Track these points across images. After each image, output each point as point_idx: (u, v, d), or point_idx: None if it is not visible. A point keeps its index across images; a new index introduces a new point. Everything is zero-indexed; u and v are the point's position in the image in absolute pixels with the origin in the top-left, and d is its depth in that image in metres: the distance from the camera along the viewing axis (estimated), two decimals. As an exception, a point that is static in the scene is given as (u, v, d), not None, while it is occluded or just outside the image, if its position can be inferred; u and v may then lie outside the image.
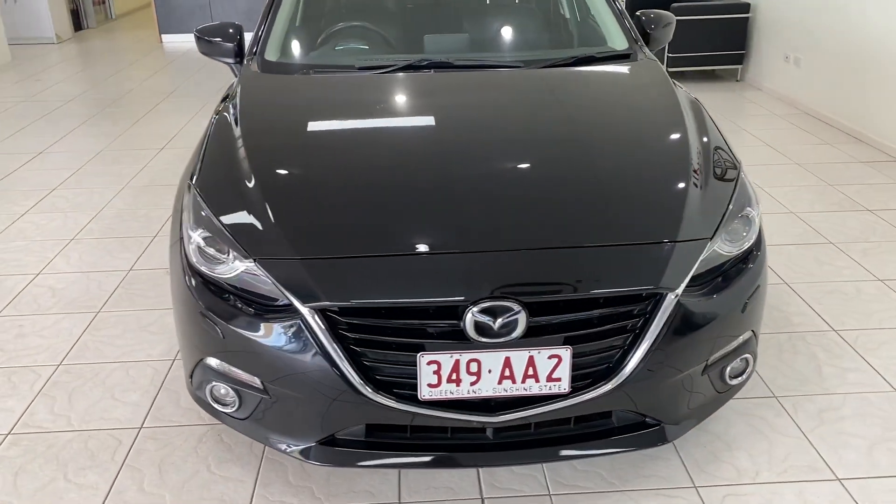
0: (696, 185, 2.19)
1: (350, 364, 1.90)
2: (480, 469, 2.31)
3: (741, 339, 2.20)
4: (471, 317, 1.85)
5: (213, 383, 2.11)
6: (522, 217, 2.04)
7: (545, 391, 1.95)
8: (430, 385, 1.92)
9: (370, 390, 1.91)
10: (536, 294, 1.88)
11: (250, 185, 2.17)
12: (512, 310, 1.86)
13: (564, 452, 2.06)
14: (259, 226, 2.04)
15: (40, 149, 5.69)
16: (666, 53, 7.13)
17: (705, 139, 2.41)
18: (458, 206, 2.07)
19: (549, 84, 2.77)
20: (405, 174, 2.21)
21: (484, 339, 1.88)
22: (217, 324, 2.01)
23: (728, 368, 2.21)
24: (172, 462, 2.40)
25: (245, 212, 2.09)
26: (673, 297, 1.95)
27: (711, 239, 2.07)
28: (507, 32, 3.29)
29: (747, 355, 2.24)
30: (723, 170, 2.30)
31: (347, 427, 2.02)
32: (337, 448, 2.05)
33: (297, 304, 1.90)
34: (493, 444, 2.06)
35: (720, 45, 7.16)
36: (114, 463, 2.40)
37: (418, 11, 3.43)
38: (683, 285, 1.98)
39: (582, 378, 1.97)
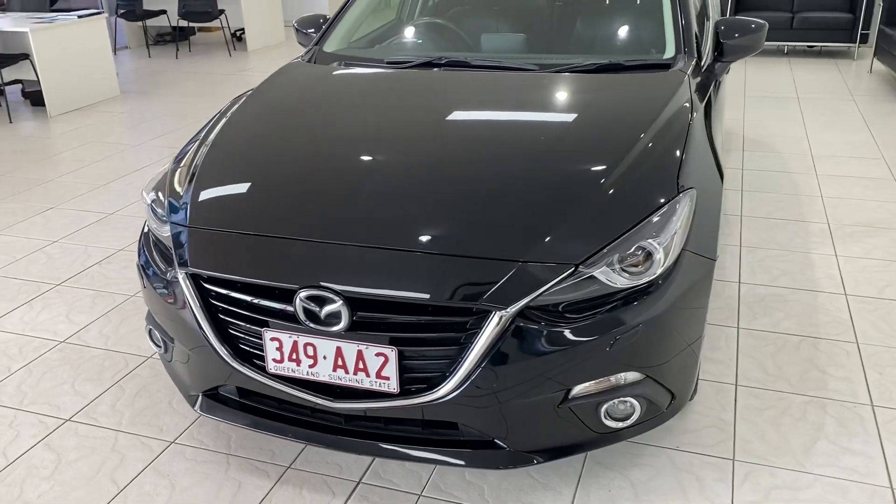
0: (586, 210, 2.03)
1: (212, 329, 2.11)
2: (371, 457, 2.38)
3: (621, 378, 2.02)
4: (300, 302, 1.96)
5: (150, 327, 2.44)
6: (392, 215, 2.06)
7: (375, 387, 1.99)
8: (274, 360, 2.06)
9: (228, 355, 2.10)
10: (356, 289, 1.92)
11: (200, 159, 2.45)
12: (332, 300, 1.93)
13: (403, 451, 2.07)
14: (184, 194, 2.32)
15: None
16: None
17: (649, 165, 2.20)
18: (342, 199, 2.15)
19: (539, 89, 2.67)
20: (319, 165, 2.32)
21: (313, 325, 1.97)
22: (143, 276, 2.33)
23: (604, 408, 2.04)
24: (144, 390, 2.79)
25: (186, 180, 2.38)
26: (499, 317, 1.87)
27: (579, 266, 1.93)
28: (556, 35, 3.20)
29: (631, 399, 2.05)
30: (647, 199, 2.09)
31: (219, 384, 2.23)
32: (218, 403, 2.27)
33: (176, 265, 2.15)
34: (345, 430, 2.14)
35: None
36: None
37: (491, 12, 3.45)
38: (517, 306, 1.88)
39: (413, 382, 1.98)
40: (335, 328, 1.95)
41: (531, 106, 2.59)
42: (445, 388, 1.94)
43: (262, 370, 2.09)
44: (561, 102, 2.58)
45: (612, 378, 2.02)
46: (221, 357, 2.11)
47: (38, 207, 4.64)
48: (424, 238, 1.97)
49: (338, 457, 2.43)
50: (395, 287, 1.92)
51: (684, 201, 2.12)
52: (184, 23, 9.60)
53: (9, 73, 6.97)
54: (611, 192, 2.09)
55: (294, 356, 2.03)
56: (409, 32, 3.51)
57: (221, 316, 2.11)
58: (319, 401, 2.06)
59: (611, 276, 1.98)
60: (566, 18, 3.29)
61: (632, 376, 2.04)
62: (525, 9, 3.39)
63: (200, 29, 10.86)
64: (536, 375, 1.94)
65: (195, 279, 2.12)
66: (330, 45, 3.29)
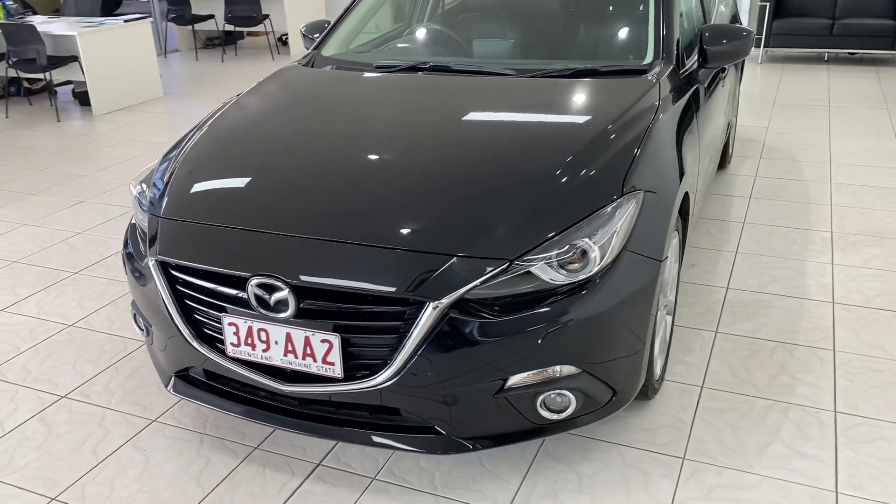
0: (526, 208, 2.11)
1: (179, 313, 2.26)
2: (333, 441, 2.49)
3: (556, 371, 2.10)
4: (251, 289, 2.09)
5: (134, 312, 2.61)
6: (338, 209, 2.17)
7: (322, 372, 2.11)
8: (232, 344, 2.20)
9: (193, 339, 2.25)
10: (301, 277, 2.04)
11: (181, 154, 2.61)
12: (280, 288, 2.05)
13: (346, 432, 2.19)
14: (162, 188, 2.48)
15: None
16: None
17: (596, 166, 2.27)
18: (296, 194, 2.27)
19: (508, 94, 2.76)
20: (282, 161, 2.45)
21: (264, 312, 2.10)
22: (126, 264, 2.51)
23: (540, 399, 2.12)
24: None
25: (168, 174, 2.54)
26: (432, 308, 1.97)
27: (514, 262, 2.02)
28: (543, 42, 3.27)
29: (566, 392, 2.12)
30: (589, 199, 2.16)
31: (188, 366, 2.38)
32: (188, 385, 2.42)
33: (147, 253, 2.31)
34: (299, 412, 2.26)
35: None
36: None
37: (487, 20, 3.55)
38: (451, 298, 1.98)
39: (358, 368, 2.09)
40: (283, 315, 2.08)
41: (497, 109, 2.68)
42: (384, 375, 2.05)
43: (223, 353, 2.23)
44: (525, 106, 2.67)
45: (548, 370, 2.10)
46: (187, 340, 2.26)
47: (69, 201, 4.92)
48: (366, 231, 2.09)
49: (303, 440, 2.56)
50: (337, 277, 2.03)
51: (628, 203, 2.18)
52: (230, 27, 9.92)
53: (61, 74, 7.35)
54: (553, 191, 2.17)
55: (249, 340, 2.16)
56: (406, 38, 3.63)
57: (187, 301, 2.26)
58: (272, 384, 2.19)
59: (548, 273, 2.06)
60: (556, 26, 3.36)
61: (568, 370, 2.11)
62: (518, 17, 3.48)
63: (249, 34, 11.19)
64: (471, 365, 2.03)
65: (164, 266, 2.27)
66: (328, 50, 3.43)
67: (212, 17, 10.07)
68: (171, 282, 2.27)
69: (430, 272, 2.00)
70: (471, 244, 2.04)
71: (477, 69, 2.99)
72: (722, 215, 4.27)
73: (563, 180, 2.20)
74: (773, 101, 6.79)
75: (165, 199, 2.40)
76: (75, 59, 7.12)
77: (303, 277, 2.04)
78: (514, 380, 2.09)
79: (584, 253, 2.07)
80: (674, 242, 2.67)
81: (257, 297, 2.09)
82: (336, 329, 2.06)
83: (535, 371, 2.09)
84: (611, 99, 2.62)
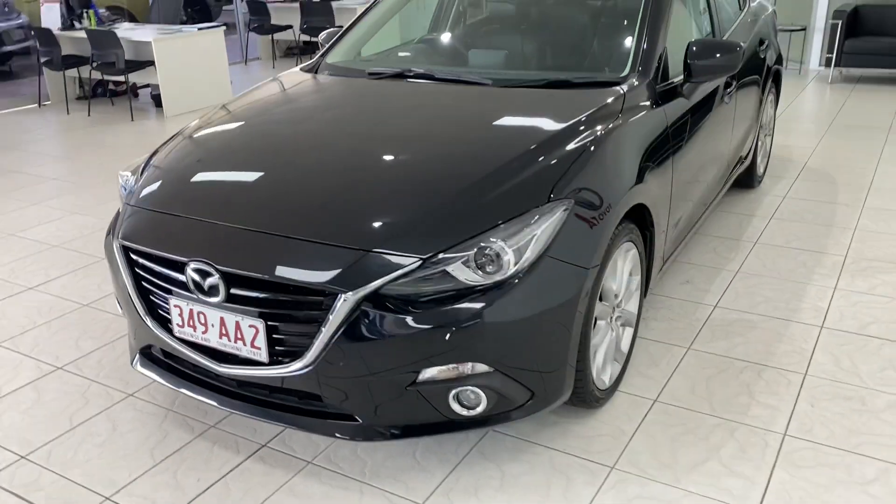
0: (448, 209, 2.19)
1: (137, 294, 2.45)
2: (271, 423, 2.60)
3: (469, 368, 2.16)
4: (189, 273, 2.25)
5: (115, 293, 2.82)
6: (270, 203, 2.30)
7: (250, 355, 2.25)
8: (178, 325, 2.37)
9: (148, 318, 2.44)
10: (230, 264, 2.19)
11: (167, 148, 2.82)
12: (212, 274, 2.21)
13: (273, 419, 2.31)
14: (138, 178, 2.69)
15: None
16: None
17: (528, 173, 2.32)
18: (240, 187, 2.43)
19: (473, 101, 2.84)
20: (239, 158, 2.60)
21: (200, 296, 2.26)
22: (105, 248, 2.73)
23: (452, 394, 2.19)
24: (127, 350, 3.20)
25: (144, 166, 2.76)
26: (345, 300, 2.08)
27: (427, 260, 2.10)
28: (532, 53, 3.33)
29: (477, 389, 2.18)
30: (513, 204, 2.22)
31: (148, 344, 2.56)
32: (150, 362, 2.61)
33: (113, 237, 2.51)
34: (237, 393, 2.41)
35: None
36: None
37: (485, 33, 3.64)
38: (363, 292, 2.08)
39: (282, 354, 2.22)
40: (215, 299, 2.23)
41: (457, 116, 2.77)
42: (302, 362, 2.17)
43: (172, 333, 2.41)
44: (485, 114, 2.74)
45: (461, 367, 2.17)
46: (143, 320, 2.45)
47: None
48: (291, 223, 2.22)
49: (257, 422, 2.70)
50: (260, 265, 2.17)
51: (553, 210, 2.23)
52: (306, 37, 10.33)
53: (141, 77, 7.86)
54: (477, 194, 2.24)
55: (191, 322, 2.33)
56: (410, 47, 3.75)
57: (143, 284, 2.45)
58: (210, 364, 2.34)
59: (464, 273, 2.13)
60: (547, 39, 3.41)
61: (480, 368, 2.17)
62: (515, 30, 3.57)
63: (327, 43, 11.59)
64: (383, 357, 2.12)
65: (125, 250, 2.47)
66: (333, 57, 3.60)
67: (289, 27, 10.50)
68: (131, 265, 2.47)
69: (345, 265, 2.11)
70: (387, 241, 2.13)
71: (458, 78, 3.08)
72: (734, 234, 4.19)
73: (490, 184, 2.27)
74: (830, 121, 6.54)
75: (135, 189, 2.61)
76: (152, 63, 7.60)
77: (230, 264, 2.19)
78: (427, 374, 2.17)
79: (499, 256, 2.13)
80: (630, 254, 2.68)
81: (194, 282, 2.25)
82: (261, 315, 2.19)
83: (447, 367, 2.16)
84: (568, 110, 2.66)
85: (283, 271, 2.14)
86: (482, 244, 2.14)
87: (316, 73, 3.46)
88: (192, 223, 2.34)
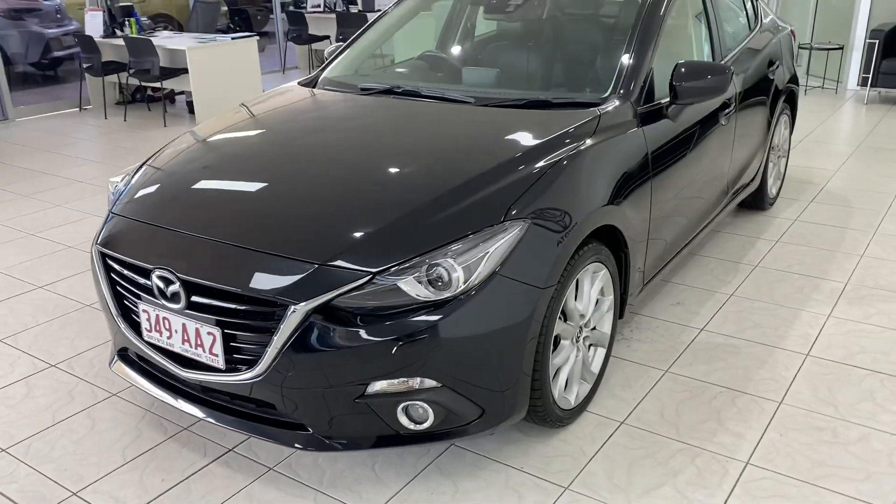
0: (401, 225, 2.23)
1: (112, 298, 2.55)
2: (230, 429, 2.65)
3: (416, 383, 2.20)
4: (154, 279, 2.34)
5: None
6: (231, 215, 2.38)
7: (209, 362, 2.32)
8: (146, 329, 2.45)
9: (121, 322, 2.53)
10: (190, 272, 2.26)
11: (154, 157, 2.93)
12: (173, 281, 2.29)
13: (232, 425, 2.38)
14: (126, 188, 2.80)
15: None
16: None
17: (486, 192, 2.35)
18: (209, 199, 2.52)
19: (449, 118, 2.87)
20: (215, 169, 2.69)
21: (164, 302, 2.34)
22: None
23: (400, 408, 2.23)
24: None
25: (131, 176, 2.86)
26: (294, 311, 2.13)
27: (377, 276, 2.15)
28: (522, 72, 3.35)
29: (424, 404, 2.21)
30: (466, 222, 2.25)
31: (124, 346, 2.66)
32: (127, 364, 2.70)
33: (93, 243, 2.62)
34: (201, 398, 2.48)
35: None
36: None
37: (480, 51, 3.69)
38: (313, 304, 2.13)
39: (237, 361, 2.28)
40: (177, 306, 2.31)
41: (428, 133, 2.81)
42: (255, 371, 2.23)
43: (142, 337, 2.49)
44: (456, 131, 2.78)
45: (409, 381, 2.20)
46: (117, 323, 2.54)
47: (139, 198, 5.45)
48: (249, 235, 2.29)
49: (203, 425, 2.76)
50: (216, 274, 2.24)
51: (507, 229, 2.25)
52: (342, 47, 10.48)
53: (177, 84, 8.08)
54: (431, 212, 2.28)
55: (158, 327, 2.41)
56: (409, 63, 3.81)
57: (118, 288, 2.54)
58: (174, 368, 2.42)
59: (416, 289, 2.16)
60: (538, 58, 3.44)
61: (429, 383, 2.20)
62: (509, 49, 3.60)
63: (365, 53, 11.75)
64: (331, 368, 2.17)
65: (102, 255, 2.57)
66: (332, 71, 3.68)
67: (327, 37, 10.68)
68: (108, 270, 2.56)
69: (296, 278, 2.16)
70: (338, 255, 2.18)
71: (442, 96, 3.12)
72: (735, 256, 4.14)
73: (446, 202, 2.31)
74: (858, 143, 6.40)
75: (118, 197, 2.72)
76: (186, 71, 7.82)
77: (190, 273, 2.27)
78: (376, 387, 2.21)
79: (449, 273, 2.16)
80: (600, 274, 2.69)
81: (158, 288, 2.34)
82: (218, 323, 2.26)
83: (395, 381, 2.20)
84: (539, 130, 2.68)
85: (237, 281, 2.21)
86: (433, 261, 2.17)
87: (314, 86, 3.54)
88: (160, 232, 2.43)
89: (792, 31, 4.97)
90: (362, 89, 3.34)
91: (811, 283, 3.81)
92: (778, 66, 4.39)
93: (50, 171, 6.23)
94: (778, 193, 4.97)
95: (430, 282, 2.17)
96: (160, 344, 2.43)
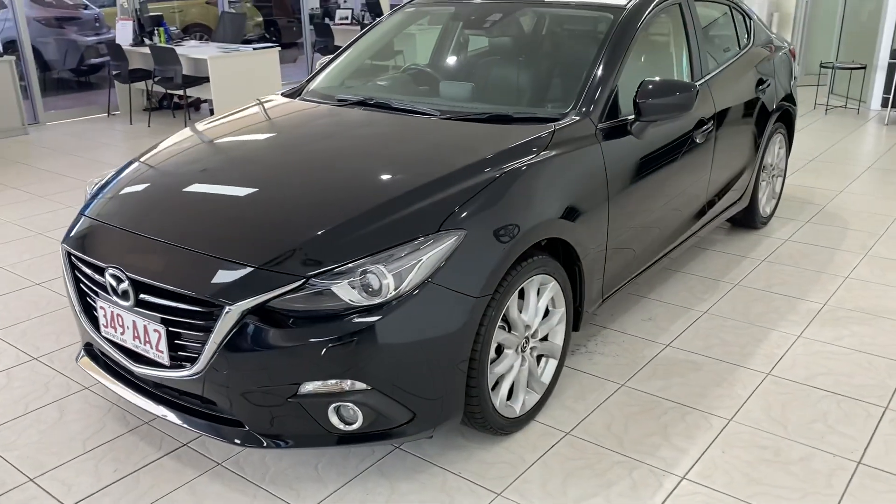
0: (338, 232, 2.31)
1: (76, 293, 2.68)
2: (177, 424, 2.74)
3: (347, 385, 2.27)
4: (107, 277, 2.46)
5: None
6: (180, 219, 2.51)
7: (156, 358, 2.43)
8: (103, 325, 2.57)
9: (83, 317, 2.66)
10: (136, 272, 2.38)
11: (131, 162, 3.07)
12: (123, 279, 2.40)
13: (179, 420, 2.48)
14: (100, 189, 2.93)
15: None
16: None
17: (426, 202, 2.42)
18: (165, 203, 2.64)
19: (409, 130, 2.96)
20: (182, 178, 2.79)
21: (116, 299, 2.46)
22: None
23: (331, 408, 2.30)
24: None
25: (105, 179, 3.00)
26: (228, 311, 2.22)
27: (309, 280, 2.23)
28: (494, 87, 3.42)
29: (354, 406, 2.29)
30: (401, 231, 2.33)
31: (88, 341, 2.78)
32: (92, 358, 2.83)
33: (62, 241, 2.76)
34: (152, 393, 2.59)
35: None
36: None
37: (457, 65, 3.79)
38: (246, 305, 2.22)
39: (181, 358, 2.39)
40: (127, 303, 2.42)
41: (385, 143, 2.89)
42: (194, 368, 2.33)
43: (100, 333, 2.62)
44: (413, 143, 2.86)
45: (340, 383, 2.28)
46: (79, 318, 2.67)
47: (147, 201, 5.63)
48: (193, 237, 2.40)
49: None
50: (160, 274, 2.35)
51: (442, 239, 2.32)
52: (367, 59, 10.66)
53: (201, 93, 8.31)
54: (369, 219, 2.36)
55: (113, 323, 2.53)
56: (388, 77, 3.91)
57: (81, 286, 2.67)
58: (127, 363, 2.53)
59: (348, 293, 2.24)
60: (511, 74, 3.51)
61: (359, 385, 2.28)
62: (483, 65, 3.68)
63: (391, 65, 11.94)
64: (264, 367, 2.26)
65: (68, 254, 2.71)
66: (316, 83, 3.80)
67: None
68: (73, 268, 2.70)
69: (232, 279, 2.26)
70: (274, 259, 2.27)
71: (410, 108, 3.20)
72: (717, 274, 4.13)
73: (385, 211, 2.39)
74: (869, 164, 6.32)
75: (89, 199, 2.86)
76: (208, 79, 8.04)
77: (137, 272, 2.38)
78: (308, 387, 2.28)
79: (380, 279, 2.24)
80: (549, 286, 2.74)
81: (111, 286, 2.46)
82: (163, 321, 2.37)
83: (327, 381, 2.27)
84: (491, 143, 2.75)
85: (179, 281, 2.32)
86: (365, 267, 2.25)
87: (297, 97, 3.66)
88: (116, 233, 2.56)
89: (790, 51, 4.95)
90: (339, 100, 3.45)
91: (788, 303, 3.79)
92: (768, 85, 4.38)
93: (68, 174, 6.47)
94: (772, 213, 4.94)
95: (363, 287, 2.25)
96: (115, 339, 2.54)
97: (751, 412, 2.90)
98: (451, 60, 3.84)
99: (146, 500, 2.48)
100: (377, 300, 2.24)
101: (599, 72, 3.11)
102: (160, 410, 2.53)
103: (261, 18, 14.83)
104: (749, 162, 4.28)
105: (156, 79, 8.18)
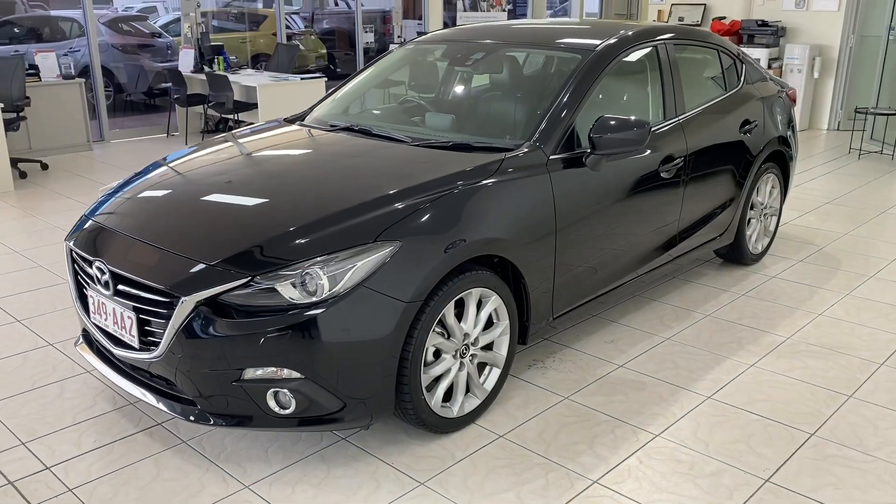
0: (287, 238, 2.64)
1: (74, 284, 3.08)
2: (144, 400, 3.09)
3: (284, 373, 2.57)
4: (94, 269, 2.84)
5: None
6: (164, 221, 2.88)
7: (129, 342, 2.79)
8: (92, 311, 2.96)
9: (78, 304, 3.06)
10: (114, 265, 2.75)
11: (137, 173, 3.49)
12: (104, 271, 2.78)
13: (147, 397, 2.83)
14: (104, 195, 3.35)
15: None
16: None
17: (367, 216, 2.72)
18: (154, 208, 3.03)
19: (380, 155, 3.28)
20: (172, 188, 3.18)
21: (99, 288, 2.84)
22: (73, 247, 3.40)
23: (269, 394, 2.61)
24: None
25: (115, 186, 3.42)
26: (183, 301, 2.57)
27: (254, 278, 2.56)
28: (467, 118, 3.73)
29: (287, 391, 2.59)
30: (341, 239, 2.63)
31: (83, 326, 3.18)
32: (88, 344, 3.22)
33: (66, 238, 3.17)
34: (132, 375, 2.95)
35: None
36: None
37: (441, 98, 4.13)
38: (198, 297, 2.56)
39: (148, 343, 2.74)
40: (108, 292, 2.80)
41: (355, 164, 3.23)
42: (156, 352, 2.68)
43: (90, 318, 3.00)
44: (378, 165, 3.19)
45: (278, 371, 2.58)
46: (76, 305, 3.07)
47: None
48: (162, 236, 2.78)
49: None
50: (132, 267, 2.73)
51: (377, 248, 2.62)
52: (414, 91, 11.12)
53: (251, 118, 8.87)
54: (314, 229, 2.68)
55: (98, 310, 2.91)
56: (383, 107, 4.26)
57: (78, 277, 3.07)
58: (109, 346, 2.90)
59: (289, 292, 2.56)
60: (480, 106, 3.84)
61: (294, 374, 2.58)
62: (463, 99, 4.01)
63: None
64: (212, 353, 2.59)
65: (69, 249, 3.11)
66: (318, 110, 4.17)
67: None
68: (73, 261, 3.10)
69: (187, 274, 2.61)
70: (225, 258, 2.61)
71: (387, 135, 3.53)
72: (692, 305, 4.29)
73: (330, 221, 2.71)
74: (883, 210, 6.33)
75: (95, 204, 3.28)
76: (256, 105, 8.59)
77: (115, 265, 2.76)
78: (249, 373, 2.60)
79: (316, 280, 2.55)
80: (491, 300, 3.00)
81: (96, 276, 2.84)
82: (134, 309, 2.73)
83: (266, 369, 2.59)
84: (444, 167, 3.04)
85: (147, 274, 2.68)
86: (305, 270, 2.57)
87: (299, 122, 4.04)
88: (105, 232, 2.95)
89: (788, 94, 5.09)
90: (330, 126, 3.81)
91: (752, 335, 3.93)
92: (755, 127, 4.54)
93: (118, 187, 7.03)
94: (765, 250, 5.06)
95: (303, 287, 2.56)
96: (100, 324, 2.92)
97: (680, 430, 3.07)
98: (438, 94, 4.16)
99: (115, 467, 2.83)
100: (313, 299, 2.55)
101: (557, 107, 3.37)
102: (138, 391, 2.88)
103: (324, 51, 15.55)
104: (730, 199, 4.44)
105: (210, 103, 8.77)
